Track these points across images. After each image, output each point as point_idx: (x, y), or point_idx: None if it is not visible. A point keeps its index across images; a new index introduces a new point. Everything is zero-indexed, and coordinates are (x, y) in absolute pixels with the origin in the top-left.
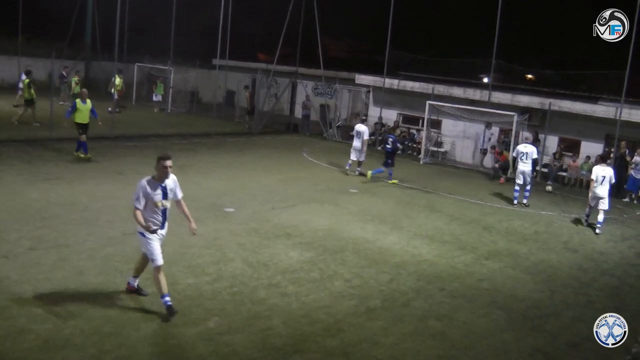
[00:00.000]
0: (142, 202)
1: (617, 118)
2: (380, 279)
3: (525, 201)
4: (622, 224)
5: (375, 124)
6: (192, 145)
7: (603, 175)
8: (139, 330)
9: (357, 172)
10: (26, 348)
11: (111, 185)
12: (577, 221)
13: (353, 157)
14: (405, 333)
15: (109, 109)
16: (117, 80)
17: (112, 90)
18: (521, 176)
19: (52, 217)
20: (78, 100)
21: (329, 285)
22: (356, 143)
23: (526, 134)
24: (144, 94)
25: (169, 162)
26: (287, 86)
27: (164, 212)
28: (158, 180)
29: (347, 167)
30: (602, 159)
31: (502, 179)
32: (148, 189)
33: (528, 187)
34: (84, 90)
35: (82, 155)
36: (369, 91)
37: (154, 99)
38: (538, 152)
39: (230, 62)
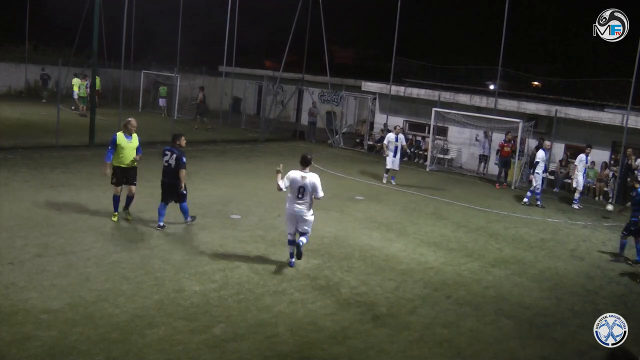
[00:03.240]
0: None
1: (624, 125)
2: (386, 286)
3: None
4: None
5: (382, 130)
6: (198, 152)
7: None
8: (146, 337)
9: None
10: (32, 355)
11: None
12: (569, 200)
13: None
14: (412, 340)
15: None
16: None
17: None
18: None
19: (58, 224)
20: (120, 134)
21: (335, 293)
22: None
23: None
24: (150, 101)
25: None
26: (293, 93)
27: None
28: None
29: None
30: (585, 150)
31: (498, 185)
32: None
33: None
34: (131, 120)
35: (115, 216)
36: (375, 98)
37: (160, 104)
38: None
39: (237, 70)
